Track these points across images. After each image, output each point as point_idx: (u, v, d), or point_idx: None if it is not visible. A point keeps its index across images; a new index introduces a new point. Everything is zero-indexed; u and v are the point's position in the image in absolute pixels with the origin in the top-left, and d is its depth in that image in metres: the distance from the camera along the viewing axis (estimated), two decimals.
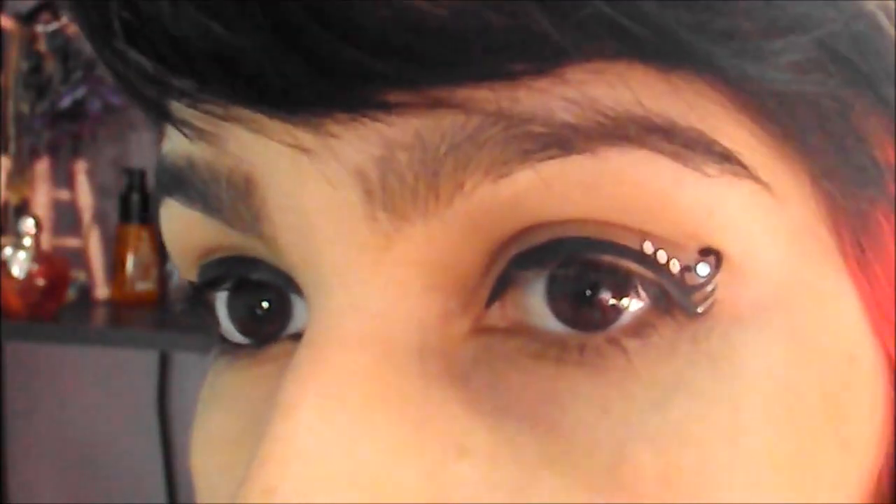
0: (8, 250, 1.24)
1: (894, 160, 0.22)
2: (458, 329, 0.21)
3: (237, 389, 0.24)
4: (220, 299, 0.25)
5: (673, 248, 0.20)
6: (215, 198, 0.22)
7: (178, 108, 0.20)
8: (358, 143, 0.19)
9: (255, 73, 0.18)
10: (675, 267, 0.20)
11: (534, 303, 0.21)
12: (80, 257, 1.41)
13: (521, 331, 0.21)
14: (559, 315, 0.20)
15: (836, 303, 0.22)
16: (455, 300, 0.21)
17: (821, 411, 0.21)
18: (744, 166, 0.20)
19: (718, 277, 0.20)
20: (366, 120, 0.19)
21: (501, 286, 0.21)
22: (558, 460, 0.20)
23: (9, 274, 1.22)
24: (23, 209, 1.36)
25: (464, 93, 0.19)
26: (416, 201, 0.19)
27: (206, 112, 0.20)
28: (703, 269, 0.20)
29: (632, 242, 0.20)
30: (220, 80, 0.19)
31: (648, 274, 0.20)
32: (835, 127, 0.21)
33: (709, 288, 0.20)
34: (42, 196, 1.39)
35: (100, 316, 1.34)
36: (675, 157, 0.20)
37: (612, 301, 0.20)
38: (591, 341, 0.20)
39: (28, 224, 1.24)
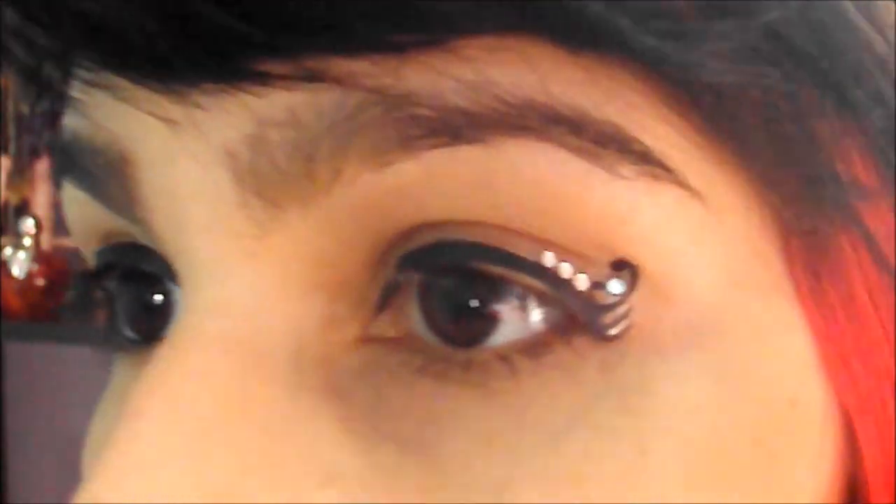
0: (8, 250, 1.24)
1: (864, 175, 0.19)
2: (343, 337, 0.18)
3: (124, 389, 0.22)
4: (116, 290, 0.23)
5: (580, 260, 0.18)
6: (95, 177, 0.20)
7: (49, 72, 0.19)
8: (226, 117, 0.17)
9: (120, 37, 0.17)
10: (581, 282, 0.17)
11: (417, 313, 0.19)
12: (80, 257, 1.41)
13: (407, 343, 0.18)
14: (434, 328, 0.18)
15: (780, 337, 0.19)
16: (341, 304, 0.19)
17: (750, 461, 0.18)
18: (667, 169, 0.17)
19: (635, 297, 0.18)
20: (235, 91, 0.17)
21: (389, 291, 0.18)
22: (435, 494, 0.17)
23: (9, 274, 1.22)
24: (23, 209, 1.36)
25: (342, 65, 0.17)
26: (289, 187, 0.17)
27: (75, 77, 0.18)
28: (615, 287, 0.18)
29: (529, 252, 0.17)
30: (86, 42, 0.17)
31: (547, 290, 0.18)
32: (787, 132, 0.18)
33: (622, 308, 0.18)
34: (42, 196, 1.39)
35: (100, 316, 1.33)
36: (583, 153, 0.17)
37: (502, 315, 0.18)
38: (479, 357, 0.18)
39: (28, 224, 1.24)
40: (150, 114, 0.18)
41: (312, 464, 0.17)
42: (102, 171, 0.20)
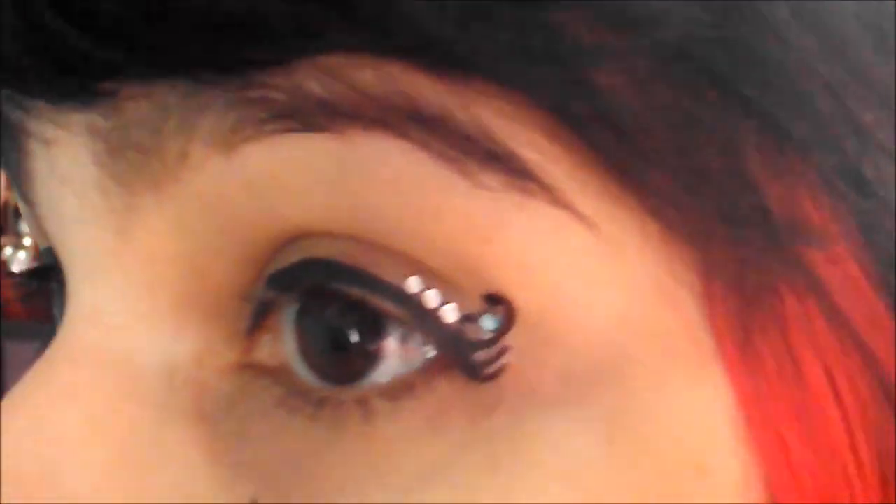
0: (8, 250, 1.23)
1: (815, 217, 0.17)
2: (220, 360, 0.18)
3: None
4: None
5: (449, 288, 0.16)
6: (8, 160, 0.20)
7: None
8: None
9: None
10: (450, 314, 0.16)
11: (291, 341, 0.17)
12: None
13: (279, 374, 0.17)
14: (307, 361, 0.17)
15: (690, 395, 0.16)
16: (217, 323, 0.17)
17: None
18: (542, 185, 0.15)
19: (513, 336, 0.16)
20: (86, 109, 0.17)
21: (259, 314, 0.17)
22: None
23: (9, 274, 1.22)
24: None
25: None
26: (141, 168, 0.17)
27: None
28: (488, 322, 0.16)
29: (393, 275, 0.16)
30: None
31: (410, 320, 0.16)
32: (704, 166, 0.16)
33: (496, 347, 0.16)
34: None
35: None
36: (443, 157, 0.15)
37: (382, 352, 0.16)
38: (344, 397, 0.16)
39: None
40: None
41: (170, 495, 0.17)
42: (13, 153, 0.19)
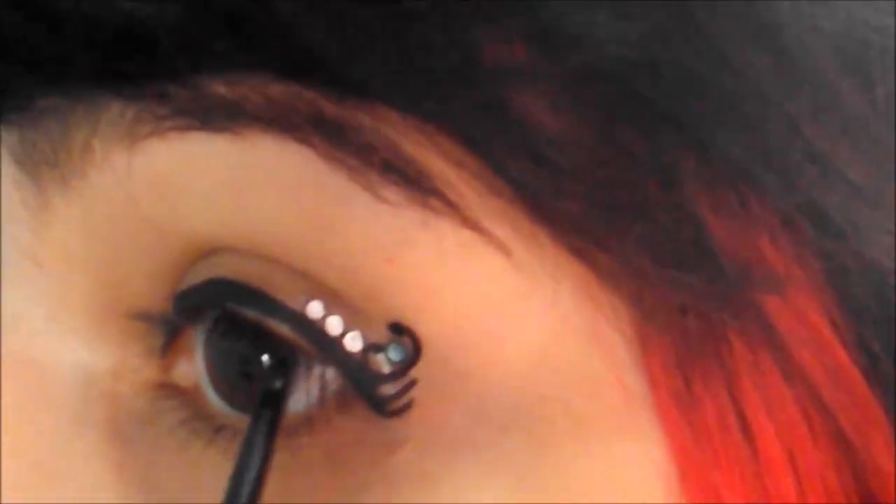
0: None
1: (774, 260, 0.15)
2: (137, 376, 0.17)
3: None
4: None
5: (354, 315, 0.15)
6: None
7: None
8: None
9: None
10: (354, 343, 0.15)
11: (201, 363, 0.17)
12: None
13: (194, 397, 0.17)
14: (214, 385, 0.16)
15: (617, 445, 0.15)
16: (134, 338, 0.17)
17: None
18: (448, 202, 0.14)
19: (421, 369, 0.15)
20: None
21: (173, 333, 0.17)
22: None
23: None
24: None
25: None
26: (50, 162, 0.16)
27: None
28: (395, 353, 0.15)
29: (294, 298, 0.15)
30: None
31: (311, 348, 0.15)
32: (638, 199, 0.14)
33: (402, 381, 0.15)
34: None
35: None
36: (344, 166, 0.14)
37: (274, 378, 0.15)
38: (244, 425, 0.16)
39: None
40: None
41: None
42: None
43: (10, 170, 0.17)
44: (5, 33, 0.15)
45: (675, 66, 0.14)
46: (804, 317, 0.15)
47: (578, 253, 0.15)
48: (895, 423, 0.16)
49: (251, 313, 0.15)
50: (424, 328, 0.15)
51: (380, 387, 0.15)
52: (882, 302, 0.16)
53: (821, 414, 0.16)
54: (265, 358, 0.16)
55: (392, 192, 0.14)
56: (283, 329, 0.15)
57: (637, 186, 0.15)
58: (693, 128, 0.14)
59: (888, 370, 0.16)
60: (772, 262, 0.15)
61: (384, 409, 0.15)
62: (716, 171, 0.15)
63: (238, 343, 0.16)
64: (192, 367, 0.17)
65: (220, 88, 0.15)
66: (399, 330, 0.15)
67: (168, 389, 0.17)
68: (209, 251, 0.16)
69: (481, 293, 0.15)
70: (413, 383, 0.15)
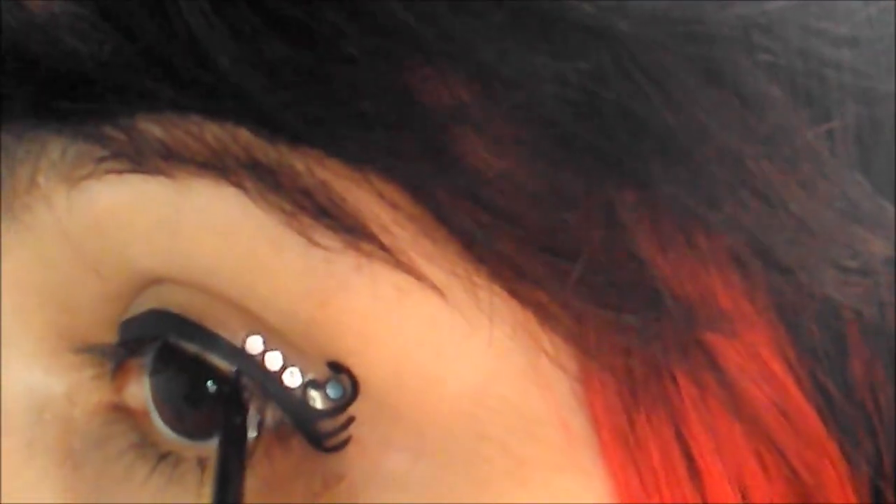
0: None
1: (724, 299, 0.15)
2: (90, 399, 0.17)
3: None
4: None
5: (294, 351, 0.15)
6: None
7: None
8: None
9: None
10: (293, 379, 0.15)
11: (148, 389, 0.17)
12: None
13: (143, 421, 0.17)
14: (159, 411, 0.16)
15: (556, 485, 0.15)
16: (87, 362, 0.17)
17: None
18: (382, 247, 0.14)
19: (359, 407, 0.15)
20: None
21: (123, 356, 0.17)
22: None
23: None
24: None
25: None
26: (1, 193, 0.16)
27: None
28: (334, 391, 0.15)
29: (234, 332, 0.15)
30: None
31: (249, 382, 0.15)
32: (577, 240, 0.14)
33: (341, 418, 0.15)
34: None
35: None
36: (275, 209, 0.14)
37: (215, 409, 0.16)
38: (187, 453, 0.16)
39: None
40: None
41: None
42: None
43: None
44: None
45: (615, 105, 0.14)
46: (755, 354, 0.15)
47: (516, 294, 0.15)
48: (849, 460, 0.16)
49: (191, 347, 0.16)
50: (361, 370, 0.15)
51: (318, 423, 0.15)
52: (834, 337, 0.16)
53: (773, 452, 0.15)
54: (210, 384, 0.16)
55: (325, 237, 0.14)
56: (221, 363, 0.16)
57: (577, 228, 0.15)
58: (634, 167, 0.14)
59: (842, 406, 0.16)
60: (721, 300, 0.15)
61: (322, 444, 0.15)
62: (660, 209, 0.15)
63: (180, 374, 0.16)
64: (140, 391, 0.17)
65: (156, 131, 0.15)
66: (337, 368, 0.15)
67: (120, 412, 0.17)
68: (154, 280, 0.16)
69: (417, 335, 0.15)
70: (351, 420, 0.15)
